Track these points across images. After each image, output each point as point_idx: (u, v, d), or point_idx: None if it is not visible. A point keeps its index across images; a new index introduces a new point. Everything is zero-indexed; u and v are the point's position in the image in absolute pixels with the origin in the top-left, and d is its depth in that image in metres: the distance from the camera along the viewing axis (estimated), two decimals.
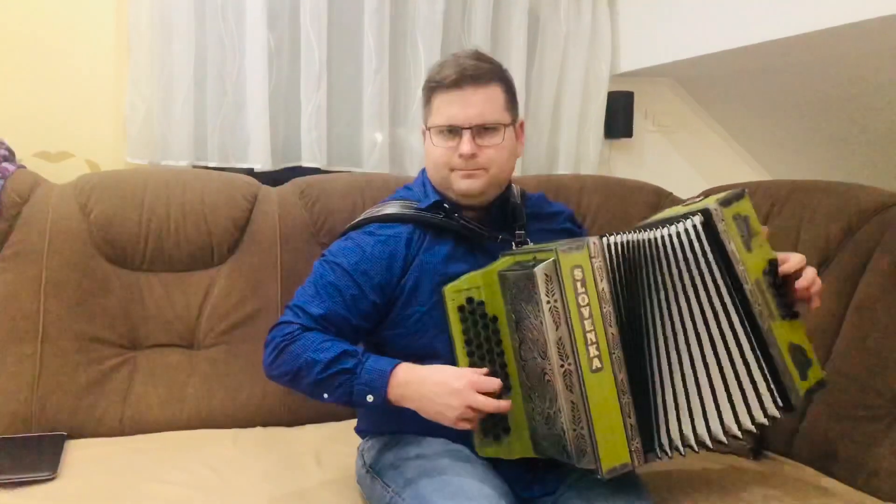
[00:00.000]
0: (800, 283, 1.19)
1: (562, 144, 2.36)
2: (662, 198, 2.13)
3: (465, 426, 1.15)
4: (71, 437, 1.57)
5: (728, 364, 1.15)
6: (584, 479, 1.22)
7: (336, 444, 1.58)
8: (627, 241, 1.16)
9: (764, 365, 1.15)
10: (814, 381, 1.19)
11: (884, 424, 1.46)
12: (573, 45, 2.32)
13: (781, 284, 1.18)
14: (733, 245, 1.15)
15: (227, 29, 1.99)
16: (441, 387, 1.15)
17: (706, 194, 1.22)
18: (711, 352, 1.15)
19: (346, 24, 2.11)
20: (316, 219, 1.82)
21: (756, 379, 1.15)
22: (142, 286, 1.72)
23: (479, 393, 1.13)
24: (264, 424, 1.70)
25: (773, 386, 1.15)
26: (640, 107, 2.46)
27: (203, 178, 1.83)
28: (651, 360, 1.16)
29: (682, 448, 1.15)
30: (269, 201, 1.83)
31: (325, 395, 1.22)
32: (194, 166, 2.00)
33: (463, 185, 1.32)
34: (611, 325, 1.12)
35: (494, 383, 1.15)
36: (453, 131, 1.31)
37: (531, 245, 1.31)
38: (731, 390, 1.15)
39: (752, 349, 1.15)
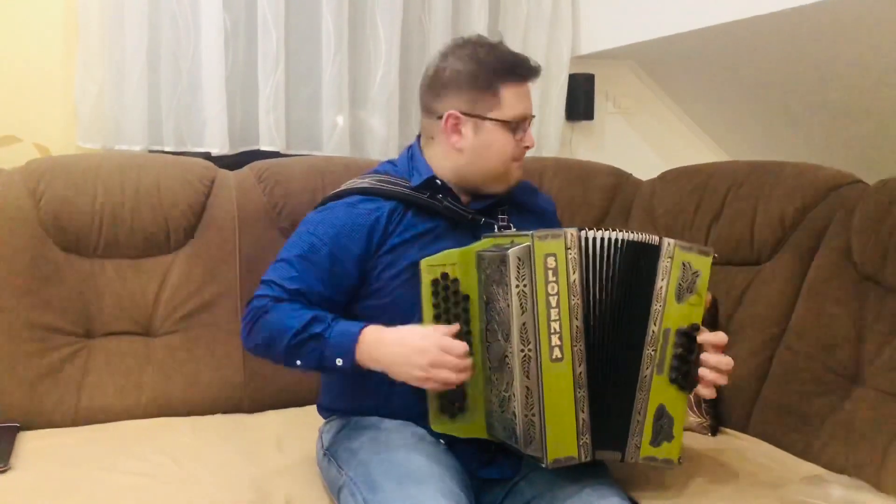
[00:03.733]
0: (705, 357, 1.18)
1: None
2: (623, 180, 2.14)
3: (432, 386, 1.16)
4: (24, 428, 1.53)
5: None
6: (540, 467, 1.23)
7: (297, 429, 1.57)
8: (602, 238, 1.17)
9: (624, 405, 1.18)
10: (662, 456, 1.19)
11: (835, 398, 1.50)
12: (534, 27, 2.31)
13: (692, 353, 1.19)
14: (662, 283, 1.17)
15: (181, 8, 1.94)
16: (408, 348, 1.16)
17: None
18: (631, 367, 1.18)
19: (304, 4, 2.07)
20: (275, 203, 1.80)
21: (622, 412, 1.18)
22: (96, 273, 1.68)
23: (446, 354, 1.14)
24: (224, 412, 1.68)
25: (620, 427, 1.18)
26: (601, 89, 2.46)
27: (158, 162, 1.79)
28: (614, 358, 1.17)
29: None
30: (227, 186, 1.80)
31: (298, 362, 1.24)
32: (149, 151, 1.95)
33: (518, 173, 1.35)
34: (577, 318, 1.13)
35: (461, 347, 1.15)
36: (521, 124, 1.32)
37: (512, 230, 1.31)
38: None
39: (628, 385, 1.18)
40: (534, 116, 1.35)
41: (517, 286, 1.11)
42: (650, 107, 2.58)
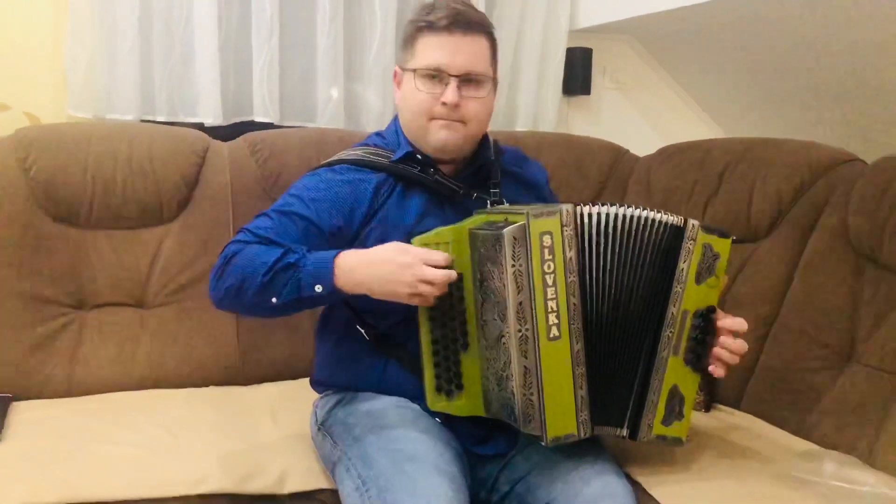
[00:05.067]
0: (724, 340, 1.18)
1: (520, 101, 2.33)
2: (619, 155, 2.13)
3: (418, 302, 1.14)
4: (17, 399, 1.52)
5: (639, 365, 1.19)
6: (536, 443, 1.23)
7: (292, 402, 1.56)
8: (604, 214, 1.15)
9: (638, 384, 1.18)
10: (672, 434, 1.21)
11: (828, 376, 1.50)
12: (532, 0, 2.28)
13: (708, 335, 1.19)
14: (684, 265, 1.16)
15: None
16: (389, 264, 1.13)
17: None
18: (640, 346, 1.18)
19: None
20: (268, 175, 1.78)
21: (632, 389, 1.19)
22: (88, 244, 1.66)
23: (428, 265, 1.12)
24: (218, 384, 1.67)
25: (633, 407, 1.19)
26: (599, 64, 2.44)
27: (150, 132, 1.77)
28: (612, 335, 1.17)
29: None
30: (220, 157, 1.78)
31: (273, 300, 1.16)
32: (141, 121, 1.92)
33: (441, 135, 1.26)
34: (573, 296, 1.12)
35: (441, 256, 1.13)
36: (437, 77, 1.25)
37: (506, 206, 1.29)
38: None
39: (643, 364, 1.18)
40: (462, 76, 1.24)
41: (513, 265, 1.10)
42: (648, 82, 2.55)
